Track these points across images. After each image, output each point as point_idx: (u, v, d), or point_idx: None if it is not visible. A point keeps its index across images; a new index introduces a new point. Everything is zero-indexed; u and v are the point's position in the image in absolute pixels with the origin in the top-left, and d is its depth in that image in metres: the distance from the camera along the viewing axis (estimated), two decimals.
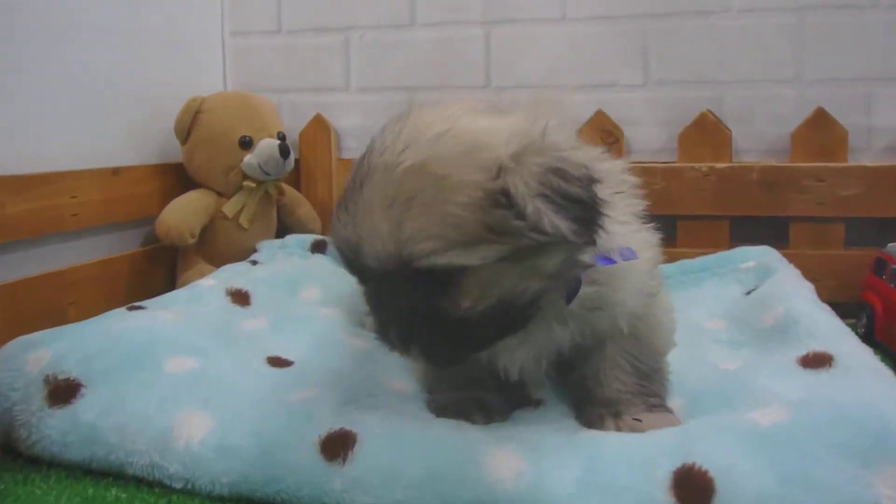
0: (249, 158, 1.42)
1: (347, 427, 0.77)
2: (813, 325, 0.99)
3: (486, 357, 0.83)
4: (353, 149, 1.65)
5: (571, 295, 0.77)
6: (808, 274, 1.36)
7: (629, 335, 0.86)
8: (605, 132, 1.50)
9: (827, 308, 1.08)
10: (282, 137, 1.47)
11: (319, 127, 1.63)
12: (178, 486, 0.78)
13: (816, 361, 0.87)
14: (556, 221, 0.66)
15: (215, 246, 1.44)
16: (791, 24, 1.44)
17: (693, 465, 0.69)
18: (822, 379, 0.84)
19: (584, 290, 0.78)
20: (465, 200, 0.67)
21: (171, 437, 0.80)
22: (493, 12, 1.56)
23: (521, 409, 0.91)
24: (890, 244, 1.33)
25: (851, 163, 1.42)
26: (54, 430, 0.84)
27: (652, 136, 1.53)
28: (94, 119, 1.34)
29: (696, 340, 1.13)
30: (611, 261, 0.77)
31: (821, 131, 1.43)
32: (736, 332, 1.15)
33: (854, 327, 1.27)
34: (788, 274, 1.25)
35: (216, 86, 1.67)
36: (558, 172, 0.68)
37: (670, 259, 1.39)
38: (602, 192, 0.71)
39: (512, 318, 0.73)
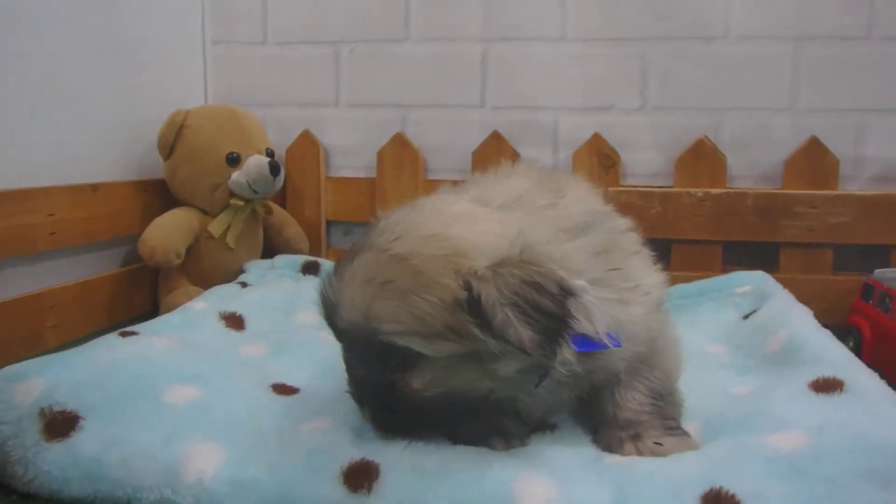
0: (237, 175, 1.38)
1: (369, 458, 0.76)
2: (820, 350, 1.01)
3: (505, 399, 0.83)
4: (342, 167, 1.63)
5: (542, 380, 0.80)
6: (798, 297, 1.39)
7: (641, 362, 0.89)
8: (602, 155, 1.52)
9: (829, 333, 1.10)
10: (270, 154, 1.44)
11: (308, 143, 1.61)
12: None
13: (828, 387, 0.89)
14: (520, 332, 0.70)
15: (200, 266, 1.39)
16: (788, 53, 1.48)
17: (721, 489, 0.70)
18: (836, 404, 0.85)
19: (582, 360, 0.80)
20: (433, 298, 0.73)
21: (182, 470, 0.76)
22: (492, 29, 1.56)
23: (537, 433, 0.89)
24: (877, 270, 1.38)
25: (842, 191, 1.47)
26: (53, 465, 0.78)
27: (649, 160, 1.56)
28: (71, 132, 1.28)
29: (701, 365, 1.13)
30: (589, 344, 0.76)
31: (813, 159, 1.47)
32: (740, 357, 1.16)
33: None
34: (785, 299, 1.27)
35: (197, 97, 1.63)
36: (533, 286, 0.72)
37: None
38: (579, 301, 0.73)
39: (464, 408, 0.79)
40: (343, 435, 0.83)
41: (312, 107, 1.63)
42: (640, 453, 0.84)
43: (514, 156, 1.54)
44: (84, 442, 0.81)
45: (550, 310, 0.72)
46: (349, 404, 0.94)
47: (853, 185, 1.49)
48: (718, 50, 1.50)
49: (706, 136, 1.50)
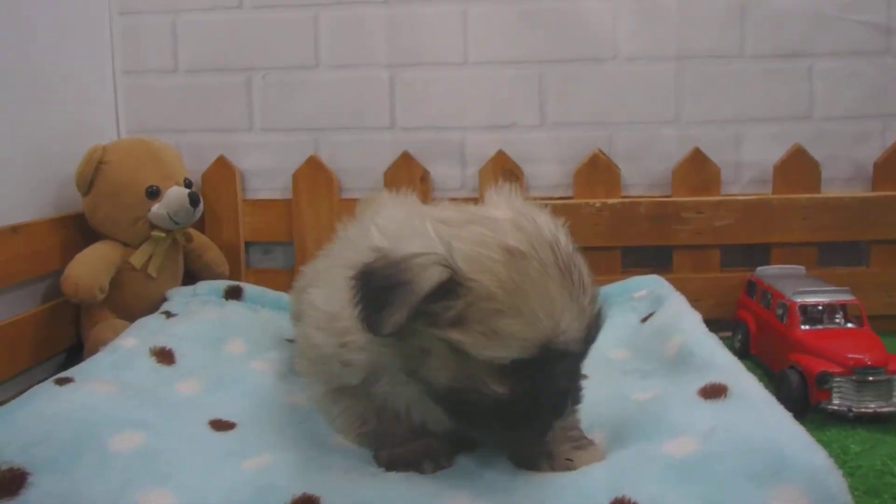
0: (157, 208, 1.42)
1: (309, 491, 0.81)
2: (708, 356, 1.11)
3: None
4: (259, 189, 1.69)
5: None
6: (690, 294, 1.52)
7: None
8: (506, 171, 1.63)
9: (715, 337, 1.20)
10: (189, 184, 1.48)
11: (223, 168, 1.66)
12: None
13: (714, 392, 0.97)
14: None
15: (122, 297, 1.43)
16: (671, 71, 1.63)
17: (624, 497, 0.78)
18: (721, 409, 0.93)
19: None
20: None
21: None
22: (397, 55, 1.65)
23: (461, 453, 0.96)
24: (759, 268, 1.55)
25: (724, 195, 1.63)
26: None
27: (550, 173, 1.68)
28: None
29: (606, 371, 1.22)
30: None
31: (697, 168, 1.62)
32: (641, 362, 1.25)
33: (730, 341, 1.48)
34: (677, 302, 1.37)
35: (109, 127, 1.64)
36: None
37: None
38: None
39: None
40: (283, 471, 0.89)
41: (227, 132, 1.67)
42: (553, 469, 0.90)
43: (424, 174, 1.64)
44: (34, 499, 0.81)
45: None
46: (283, 437, 1.02)
47: (734, 188, 1.65)
48: (609, 69, 1.64)
49: (600, 150, 1.64)
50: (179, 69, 1.67)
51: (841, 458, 1.03)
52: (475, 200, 1.53)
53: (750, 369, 1.29)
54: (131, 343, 1.23)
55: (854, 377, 1.15)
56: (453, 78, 1.65)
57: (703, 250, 1.63)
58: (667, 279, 1.55)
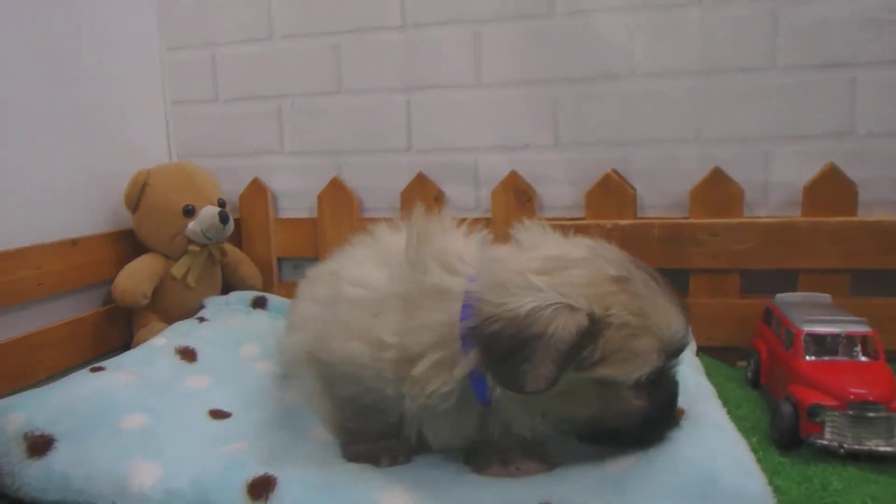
0: (193, 225, 1.74)
1: (270, 472, 1.02)
2: (682, 383, 1.17)
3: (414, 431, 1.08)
4: (288, 208, 1.96)
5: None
6: (707, 320, 1.63)
7: None
8: (518, 191, 1.76)
9: (697, 365, 1.30)
10: (222, 204, 1.79)
11: (257, 189, 1.95)
12: None
13: None
14: None
15: (165, 304, 1.76)
16: (693, 87, 1.67)
17: (549, 503, 0.93)
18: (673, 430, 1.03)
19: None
20: None
21: (128, 483, 1.05)
22: (413, 79, 1.82)
23: (421, 454, 1.14)
24: (778, 295, 1.54)
25: (747, 217, 1.64)
26: (33, 478, 1.08)
27: (564, 194, 1.78)
28: (53, 195, 1.64)
29: None
30: None
31: (717, 189, 1.65)
32: None
33: (746, 371, 1.53)
34: None
35: (161, 153, 1.99)
36: None
37: None
38: None
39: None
40: (254, 455, 1.12)
41: (260, 155, 1.96)
42: (500, 475, 1.05)
43: (439, 194, 1.82)
44: (57, 460, 1.10)
45: None
46: (265, 427, 1.27)
47: (762, 210, 1.67)
48: (624, 87, 1.69)
49: (613, 170, 1.71)
50: (219, 98, 1.97)
51: (818, 493, 1.07)
52: (488, 220, 1.76)
53: (754, 401, 1.40)
54: (162, 342, 1.55)
55: (850, 412, 1.16)
56: (466, 99, 1.80)
57: (720, 275, 1.66)
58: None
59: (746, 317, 1.62)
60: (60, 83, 1.69)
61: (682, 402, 1.10)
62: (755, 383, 1.49)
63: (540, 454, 1.09)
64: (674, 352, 0.96)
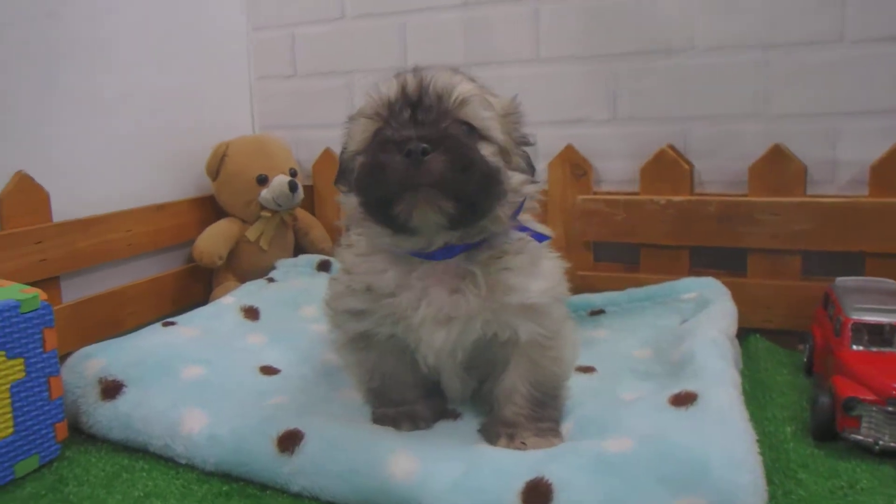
0: (265, 193, 1.87)
1: (300, 427, 1.11)
2: (701, 365, 1.20)
3: (412, 343, 1.14)
4: None
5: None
6: (763, 302, 1.60)
7: (531, 363, 1.14)
8: (573, 165, 1.77)
9: (722, 348, 1.27)
10: (293, 174, 1.91)
11: (328, 159, 2.06)
12: (182, 462, 1.17)
13: (682, 400, 1.08)
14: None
15: (241, 264, 1.91)
16: (755, 61, 1.63)
17: (542, 478, 0.97)
18: (677, 416, 1.05)
19: (502, 274, 1.09)
20: (496, 104, 1.13)
21: (179, 427, 1.19)
22: (473, 55, 1.88)
23: (443, 420, 1.23)
24: (838, 279, 1.47)
25: (809, 196, 1.59)
26: (103, 417, 1.25)
27: (620, 168, 1.78)
28: (143, 165, 1.82)
29: (615, 368, 1.39)
30: (530, 230, 1.14)
31: (777, 166, 1.60)
32: (656, 364, 1.37)
33: (803, 356, 1.49)
34: (719, 308, 1.45)
35: (245, 125, 2.13)
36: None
37: (635, 284, 1.68)
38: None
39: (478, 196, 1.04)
40: (290, 409, 1.22)
41: (331, 127, 1.97)
42: (508, 447, 1.10)
43: None
44: (123, 403, 1.25)
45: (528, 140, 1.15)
46: (307, 384, 1.37)
47: (829, 189, 1.61)
48: (683, 61, 1.68)
49: (669, 146, 1.69)
50: (297, 74, 2.10)
51: (842, 490, 1.04)
52: (545, 193, 1.80)
53: (802, 389, 1.37)
54: (230, 301, 1.70)
55: (889, 408, 1.11)
56: (525, 75, 1.81)
57: (780, 255, 1.61)
58: (739, 284, 1.60)
59: (807, 299, 1.57)
60: (157, 66, 1.86)
61: (697, 387, 1.11)
62: (809, 370, 1.45)
63: (550, 431, 1.14)
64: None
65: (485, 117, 1.06)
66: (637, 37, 1.73)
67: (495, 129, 1.08)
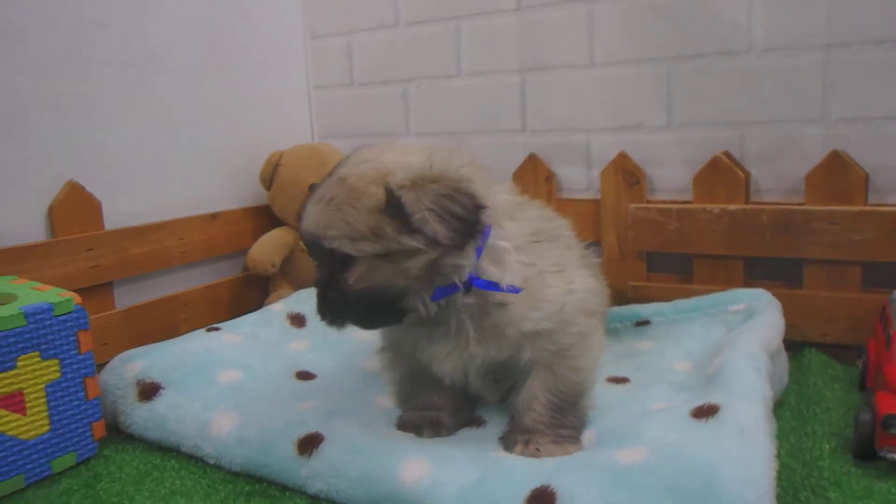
0: None
1: (320, 430, 1.14)
2: (731, 376, 1.17)
3: (426, 363, 1.16)
4: None
5: (439, 295, 1.06)
6: (822, 314, 1.53)
7: (549, 373, 1.14)
8: (626, 173, 1.72)
9: (757, 362, 1.21)
10: None
11: None
12: (211, 462, 1.21)
13: (704, 412, 1.06)
14: (434, 226, 0.96)
15: (296, 273, 1.93)
16: (818, 62, 1.55)
17: (548, 486, 0.97)
18: (694, 428, 1.02)
19: (496, 313, 1.08)
20: (360, 206, 1.00)
21: (209, 428, 1.23)
22: (527, 60, 1.84)
23: (467, 428, 1.23)
24: (895, 291, 1.41)
25: (870, 205, 1.50)
26: (140, 417, 1.30)
27: (675, 175, 1.72)
28: (197, 173, 1.86)
29: (650, 380, 1.36)
30: (489, 285, 1.06)
31: (836, 174, 1.52)
32: (693, 376, 1.34)
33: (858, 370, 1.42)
34: (763, 320, 1.40)
35: (304, 133, 2.16)
36: (447, 195, 0.98)
37: (688, 295, 1.62)
38: (490, 217, 1.03)
39: (385, 304, 1.06)
40: (315, 414, 1.23)
41: (388, 136, 2.06)
42: (523, 454, 1.11)
43: (549, 175, 1.82)
44: (160, 405, 1.30)
45: (461, 214, 0.97)
46: (340, 391, 1.37)
47: (892, 197, 1.52)
48: (742, 64, 1.60)
49: (724, 152, 1.62)
50: (354, 82, 2.11)
51: None
52: (596, 202, 1.74)
53: (850, 405, 1.32)
54: (279, 308, 1.72)
55: None
56: (579, 79, 1.79)
57: (839, 266, 1.53)
58: (796, 296, 1.54)
59: (867, 312, 1.50)
60: (213, 75, 1.91)
61: (721, 400, 1.08)
62: (862, 386, 1.38)
63: (568, 438, 1.14)
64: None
65: (343, 245, 1.02)
66: (694, 38, 1.66)
67: (358, 244, 1.01)
